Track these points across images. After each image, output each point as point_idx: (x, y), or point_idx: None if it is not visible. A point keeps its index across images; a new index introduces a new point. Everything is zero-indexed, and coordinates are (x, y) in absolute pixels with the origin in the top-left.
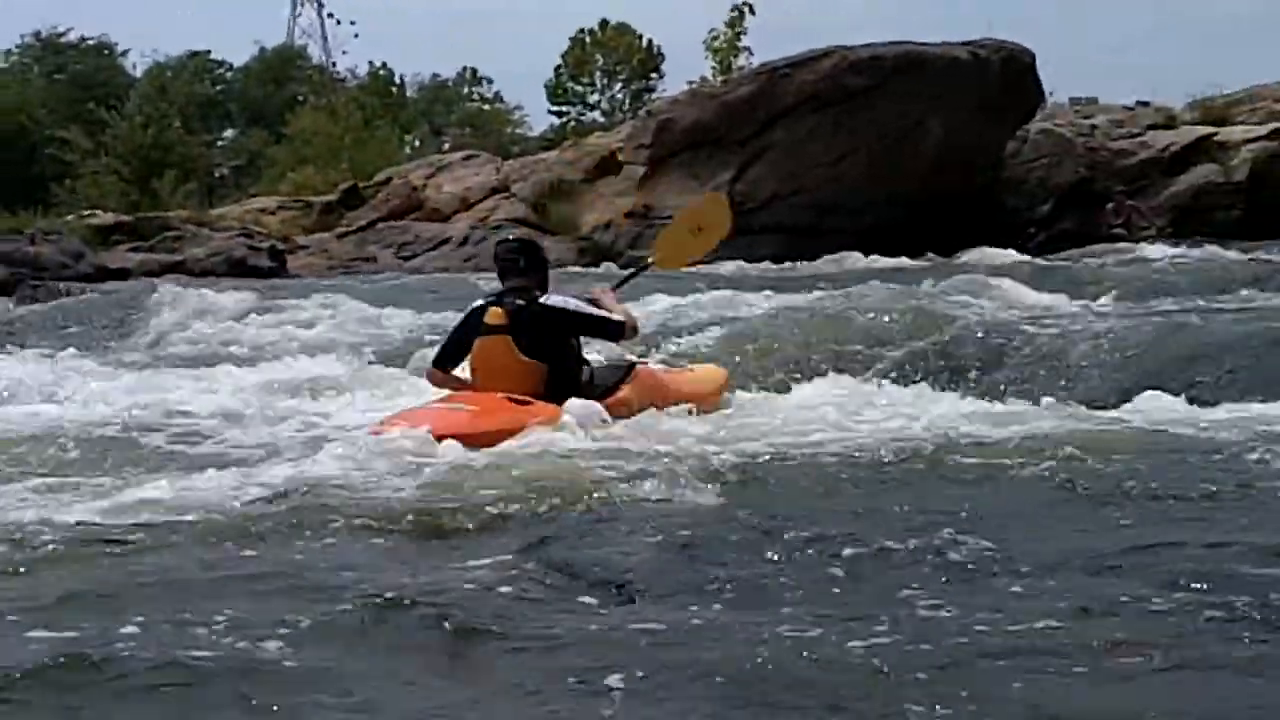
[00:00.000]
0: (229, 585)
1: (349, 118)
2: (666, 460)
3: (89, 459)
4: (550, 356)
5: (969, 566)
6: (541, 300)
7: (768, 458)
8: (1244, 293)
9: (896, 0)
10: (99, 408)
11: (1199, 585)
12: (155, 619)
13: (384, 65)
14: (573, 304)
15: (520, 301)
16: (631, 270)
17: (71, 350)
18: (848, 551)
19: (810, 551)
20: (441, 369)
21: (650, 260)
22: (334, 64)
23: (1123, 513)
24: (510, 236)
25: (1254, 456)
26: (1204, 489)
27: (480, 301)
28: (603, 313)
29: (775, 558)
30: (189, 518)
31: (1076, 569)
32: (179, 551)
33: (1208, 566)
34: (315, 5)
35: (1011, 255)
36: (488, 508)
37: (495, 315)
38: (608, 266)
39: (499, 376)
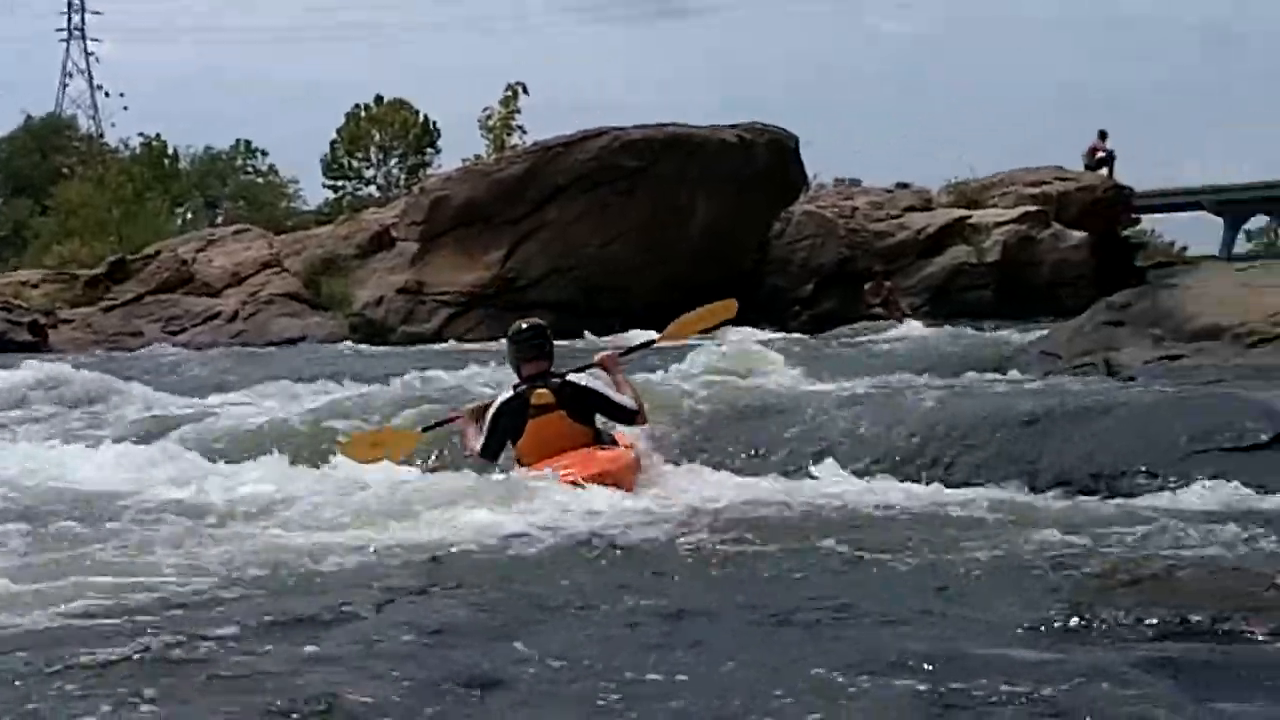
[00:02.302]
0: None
1: (118, 189)
2: None
3: None
4: (591, 425)
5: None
6: (571, 379)
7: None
8: (994, 373)
9: (671, 86)
10: None
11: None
12: None
13: (157, 136)
14: (598, 385)
15: (556, 380)
16: (640, 344)
17: None
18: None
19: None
20: (493, 457)
21: (656, 337)
22: (102, 135)
23: (834, 591)
24: (525, 324)
25: (982, 537)
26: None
27: (510, 392)
28: (622, 399)
29: None
30: None
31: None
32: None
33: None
34: (85, 76)
35: (774, 334)
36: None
37: (542, 397)
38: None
39: (558, 446)
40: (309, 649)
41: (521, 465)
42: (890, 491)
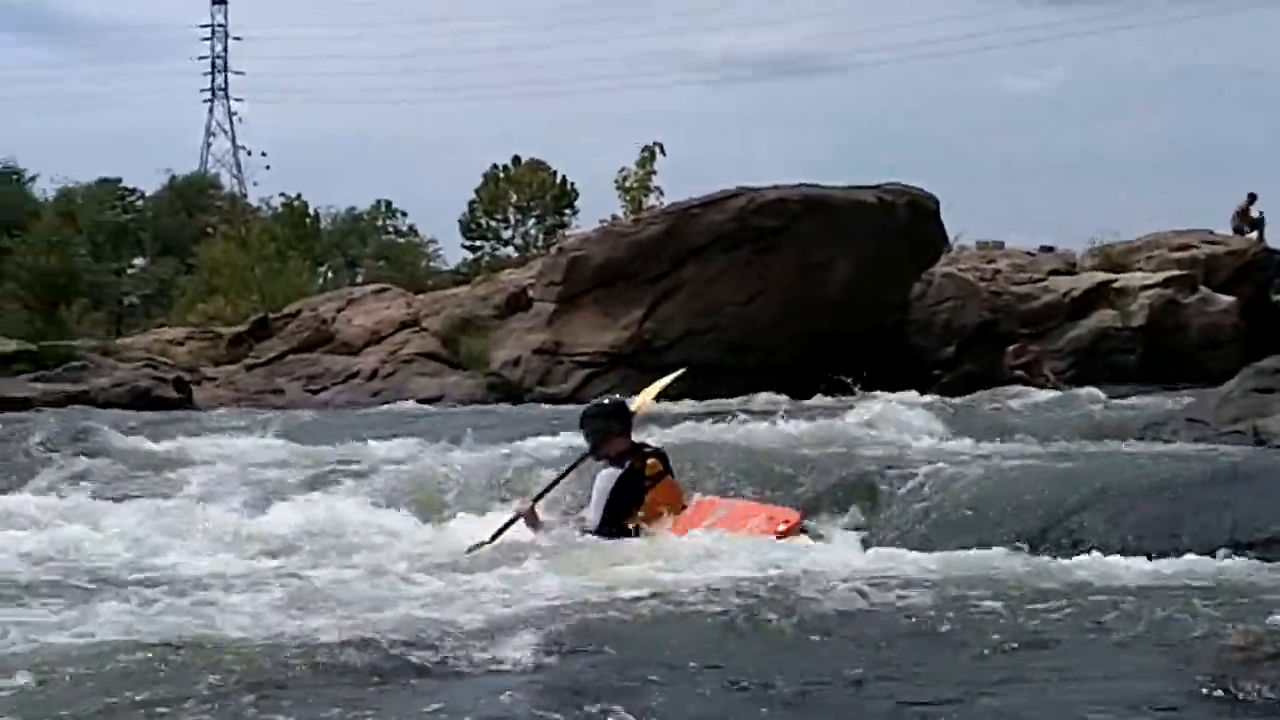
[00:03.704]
0: None
1: (261, 248)
2: None
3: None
4: None
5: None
6: (655, 447)
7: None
8: (1139, 440)
9: (805, 144)
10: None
11: None
12: None
13: (298, 196)
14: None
15: (650, 449)
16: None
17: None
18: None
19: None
20: (609, 534)
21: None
22: (245, 194)
23: (985, 661)
24: (609, 400)
25: (1127, 605)
26: (1061, 636)
27: (617, 468)
28: None
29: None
30: None
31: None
32: None
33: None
34: (228, 135)
35: (915, 396)
36: None
37: (654, 467)
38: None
39: (676, 508)
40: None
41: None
42: (1033, 559)
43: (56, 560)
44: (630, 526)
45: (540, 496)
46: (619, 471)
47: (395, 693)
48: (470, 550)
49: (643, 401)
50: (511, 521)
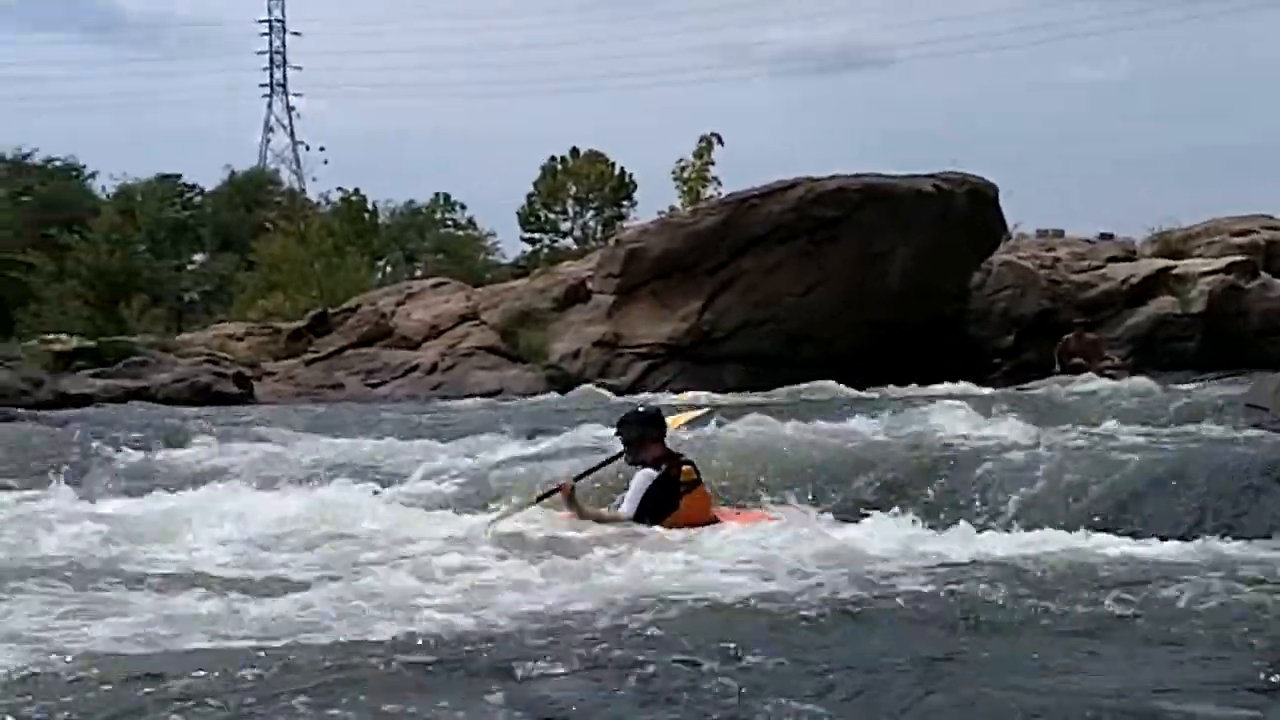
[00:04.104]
0: None
1: (320, 244)
2: None
3: None
4: None
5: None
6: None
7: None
8: (1197, 426)
9: (864, 133)
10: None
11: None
12: None
13: (356, 191)
14: None
15: (683, 457)
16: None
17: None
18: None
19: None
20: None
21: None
22: (304, 189)
23: (1055, 646)
24: (643, 409)
25: (1185, 590)
26: (1139, 623)
27: (654, 470)
28: None
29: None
30: None
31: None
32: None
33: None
34: (287, 130)
35: (974, 387)
36: None
37: (689, 474)
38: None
39: (708, 515)
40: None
41: None
42: (1090, 544)
43: (103, 555)
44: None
45: (582, 476)
46: (656, 474)
47: (459, 689)
48: (502, 516)
49: (673, 425)
50: (553, 492)
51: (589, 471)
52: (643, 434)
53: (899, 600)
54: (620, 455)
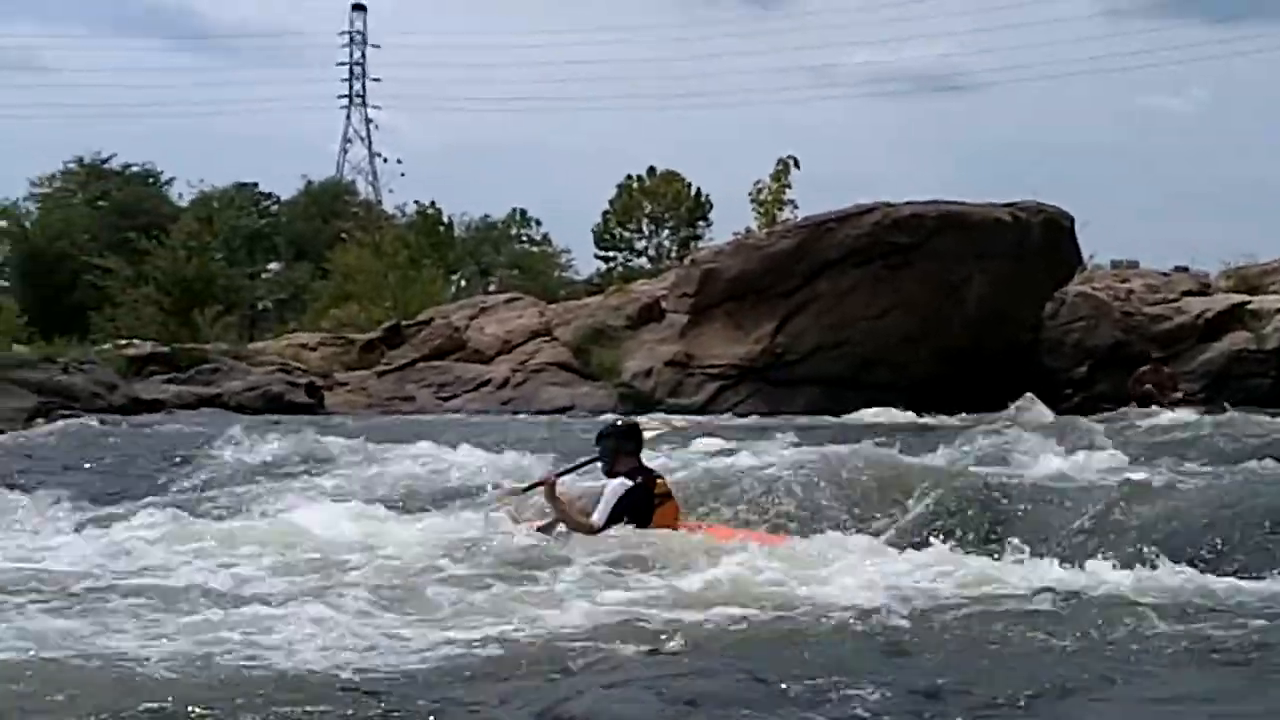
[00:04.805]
0: None
1: (395, 255)
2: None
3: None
4: None
5: None
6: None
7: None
8: (1266, 463)
9: (943, 158)
10: None
11: None
12: None
13: (432, 204)
14: None
15: (655, 472)
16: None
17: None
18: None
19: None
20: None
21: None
22: (380, 201)
23: (1136, 679)
24: (621, 421)
25: (1259, 628)
26: (1219, 659)
27: (629, 481)
28: None
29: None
30: None
31: None
32: None
33: None
34: (365, 142)
35: (1047, 415)
36: None
37: (662, 486)
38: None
39: (677, 525)
40: None
41: None
42: (1163, 579)
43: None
44: None
45: (563, 473)
46: (631, 484)
47: (512, 691)
48: (502, 497)
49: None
50: (537, 484)
51: (569, 470)
52: (618, 446)
53: (969, 624)
54: (596, 459)
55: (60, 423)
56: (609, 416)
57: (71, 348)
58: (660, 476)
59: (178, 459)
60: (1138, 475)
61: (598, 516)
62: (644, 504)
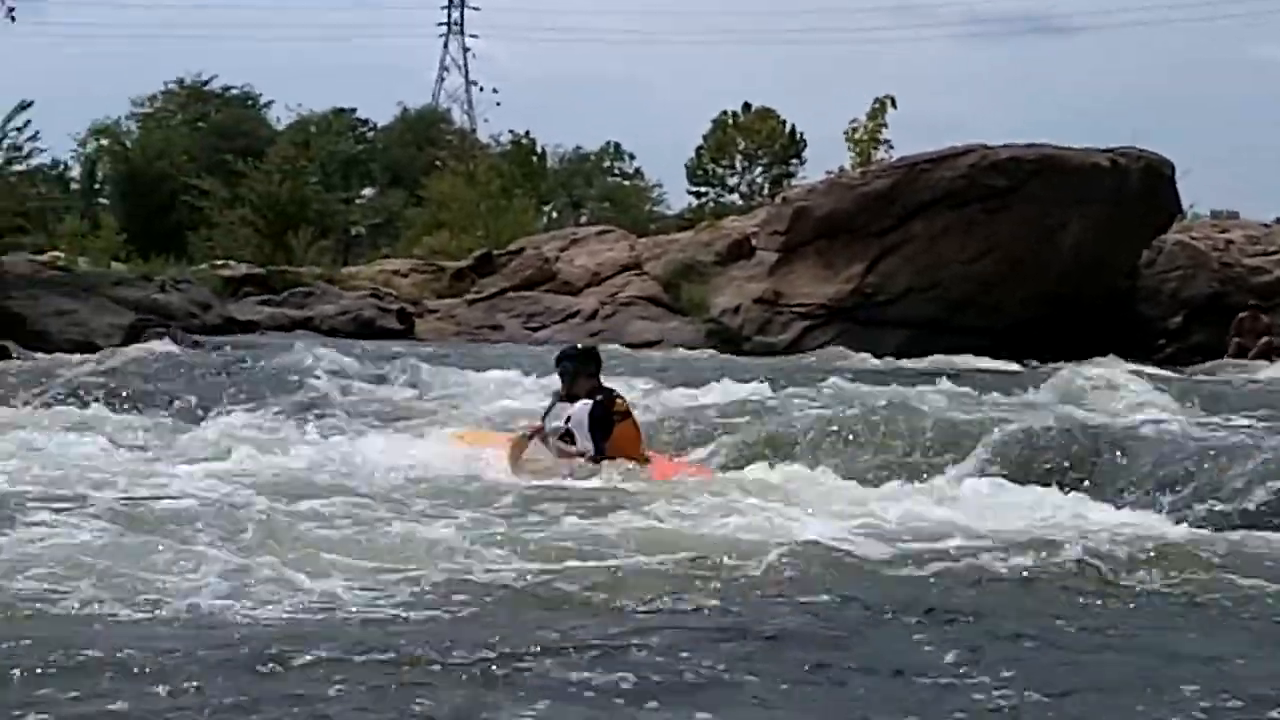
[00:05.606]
0: None
1: (488, 185)
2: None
3: None
4: None
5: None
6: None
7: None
8: None
9: (1042, 102)
10: None
11: None
12: None
13: (526, 134)
14: None
15: (615, 392)
16: None
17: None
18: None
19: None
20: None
21: None
22: (475, 130)
23: (1195, 634)
24: (581, 346)
25: None
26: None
27: (588, 401)
28: None
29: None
30: None
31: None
32: None
33: None
34: (461, 70)
35: (1140, 366)
36: None
37: (621, 405)
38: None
39: (636, 447)
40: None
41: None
42: (1244, 540)
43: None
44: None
45: (546, 414)
46: (590, 404)
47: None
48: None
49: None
50: (536, 431)
51: (548, 411)
52: (579, 369)
53: (1032, 570)
54: (556, 395)
55: (155, 343)
56: (697, 352)
57: (169, 267)
58: (619, 396)
59: (274, 380)
60: (1224, 427)
61: (588, 446)
62: (606, 420)
